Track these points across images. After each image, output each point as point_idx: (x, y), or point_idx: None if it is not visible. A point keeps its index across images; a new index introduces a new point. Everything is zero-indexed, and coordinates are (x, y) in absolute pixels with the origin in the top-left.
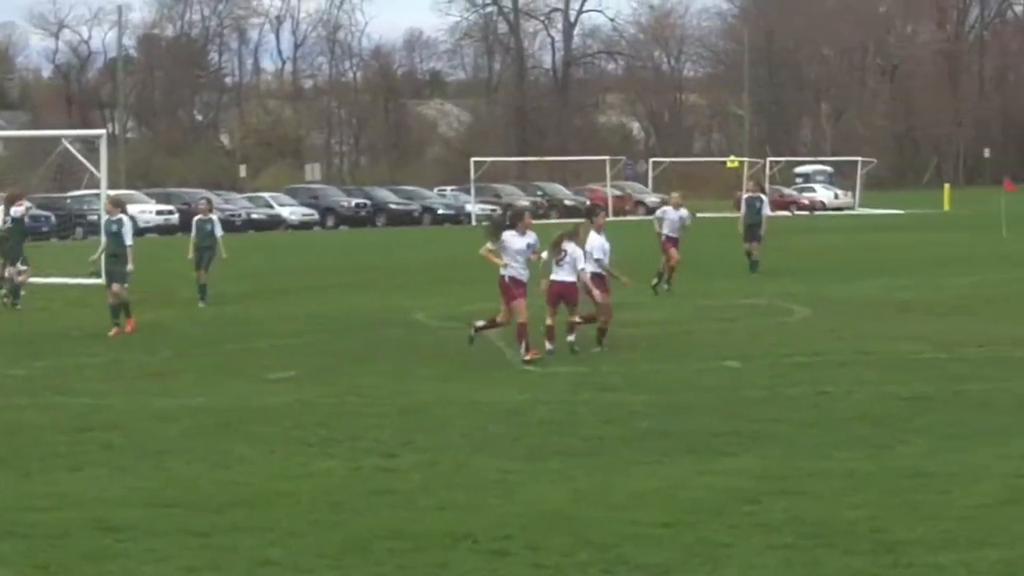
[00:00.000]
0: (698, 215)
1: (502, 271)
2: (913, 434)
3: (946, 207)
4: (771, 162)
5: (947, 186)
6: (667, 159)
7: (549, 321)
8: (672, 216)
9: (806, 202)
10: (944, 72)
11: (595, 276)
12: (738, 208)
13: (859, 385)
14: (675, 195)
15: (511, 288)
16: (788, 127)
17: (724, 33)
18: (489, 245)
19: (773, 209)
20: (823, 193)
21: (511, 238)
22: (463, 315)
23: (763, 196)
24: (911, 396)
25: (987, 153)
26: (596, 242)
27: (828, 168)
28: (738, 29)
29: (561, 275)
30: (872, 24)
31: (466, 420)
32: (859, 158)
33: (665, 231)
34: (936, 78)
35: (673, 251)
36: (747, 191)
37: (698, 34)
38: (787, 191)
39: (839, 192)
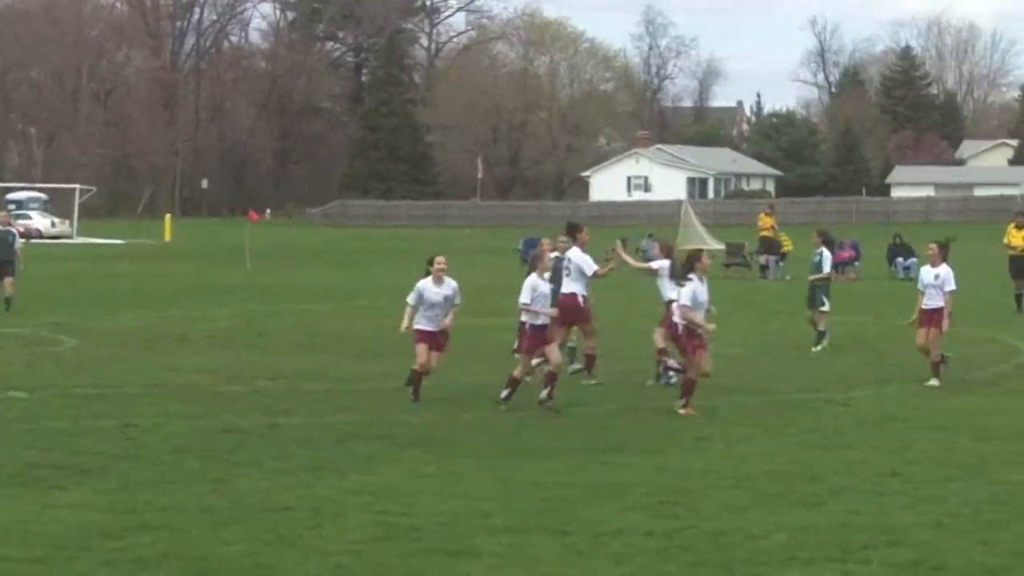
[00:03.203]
0: None
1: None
2: (244, 468)
3: (168, 237)
4: None
5: (168, 216)
6: None
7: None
8: None
9: (21, 230)
10: (160, 100)
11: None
12: None
13: (167, 418)
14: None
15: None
16: None
17: None
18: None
19: None
20: (40, 221)
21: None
22: None
23: (13, 229)
24: (226, 429)
25: (205, 184)
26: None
27: (43, 195)
28: None
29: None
30: (84, 48)
31: None
32: (77, 185)
33: None
34: (152, 106)
35: None
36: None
37: None
38: None
39: (56, 220)
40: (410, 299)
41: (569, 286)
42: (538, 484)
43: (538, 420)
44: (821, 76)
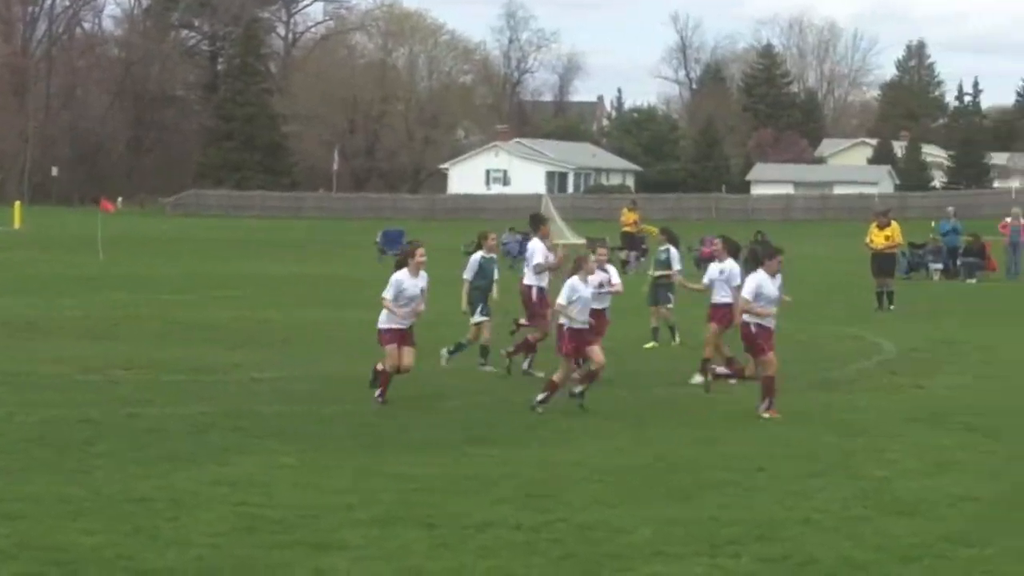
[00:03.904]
0: None
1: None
2: (101, 458)
3: (17, 225)
4: None
5: (18, 204)
6: None
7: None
8: None
9: None
10: (9, 86)
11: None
12: None
13: (21, 408)
14: None
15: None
16: None
17: None
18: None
19: None
20: None
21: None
22: None
23: None
24: (83, 419)
25: (55, 171)
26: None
27: None
28: None
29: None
30: None
31: None
32: None
33: None
34: (2, 92)
35: None
36: None
37: None
38: None
39: None
40: (387, 294)
41: (527, 277)
42: (401, 476)
43: (399, 413)
44: (683, 73)
